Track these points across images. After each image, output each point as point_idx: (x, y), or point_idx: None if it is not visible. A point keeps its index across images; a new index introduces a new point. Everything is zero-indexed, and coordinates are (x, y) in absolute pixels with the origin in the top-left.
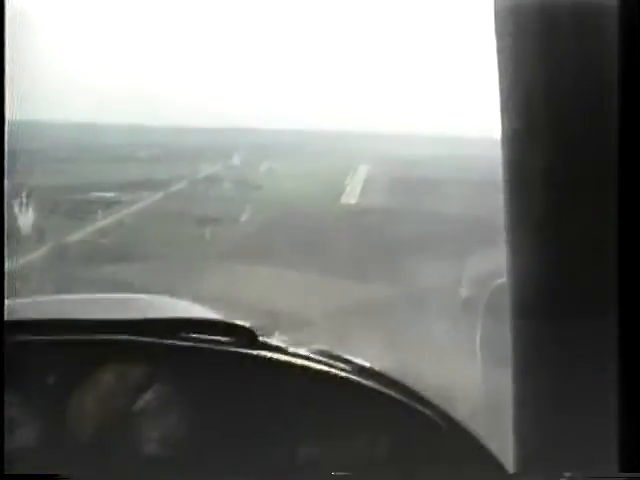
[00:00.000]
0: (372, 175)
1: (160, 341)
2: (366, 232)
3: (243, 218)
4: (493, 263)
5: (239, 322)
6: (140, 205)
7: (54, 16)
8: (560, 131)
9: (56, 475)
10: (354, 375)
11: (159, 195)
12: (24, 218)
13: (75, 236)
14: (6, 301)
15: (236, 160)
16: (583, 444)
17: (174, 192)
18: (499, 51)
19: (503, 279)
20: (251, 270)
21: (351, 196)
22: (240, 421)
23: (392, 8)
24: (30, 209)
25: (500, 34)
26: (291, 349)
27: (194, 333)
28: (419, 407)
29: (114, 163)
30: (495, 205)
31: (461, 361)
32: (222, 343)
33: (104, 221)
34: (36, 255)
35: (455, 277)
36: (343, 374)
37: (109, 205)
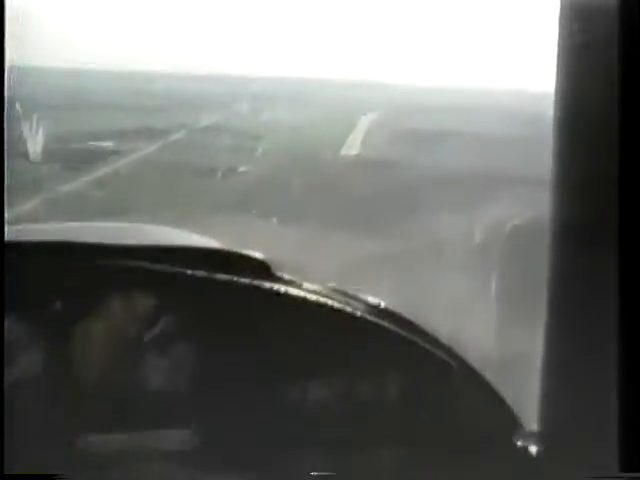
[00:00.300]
0: (374, 126)
1: (171, 270)
2: (367, 184)
3: (242, 169)
4: (505, 208)
5: (254, 253)
6: (138, 154)
7: None
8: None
9: (55, 475)
10: (367, 314)
11: (157, 145)
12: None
13: (69, 186)
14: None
15: (236, 109)
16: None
17: (173, 142)
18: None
19: (517, 221)
20: (250, 222)
21: (352, 147)
22: (249, 355)
23: None
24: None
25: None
26: (305, 285)
27: (206, 263)
28: (430, 348)
29: (112, 110)
30: (499, 156)
31: (474, 313)
32: (235, 274)
33: (100, 171)
34: (29, 206)
35: (463, 227)
36: (356, 312)
37: (106, 155)
